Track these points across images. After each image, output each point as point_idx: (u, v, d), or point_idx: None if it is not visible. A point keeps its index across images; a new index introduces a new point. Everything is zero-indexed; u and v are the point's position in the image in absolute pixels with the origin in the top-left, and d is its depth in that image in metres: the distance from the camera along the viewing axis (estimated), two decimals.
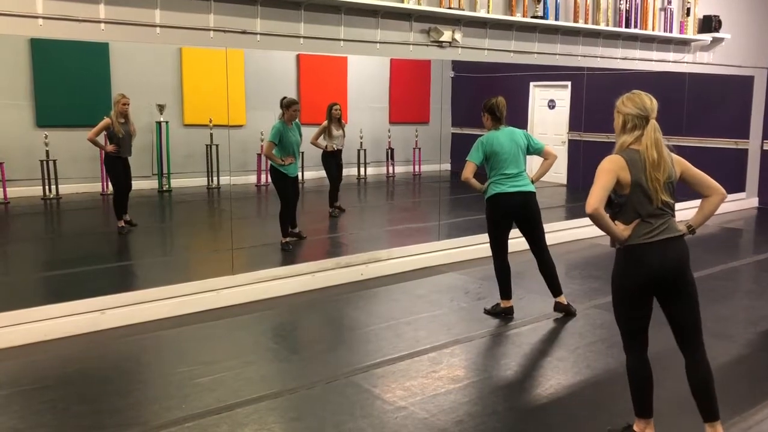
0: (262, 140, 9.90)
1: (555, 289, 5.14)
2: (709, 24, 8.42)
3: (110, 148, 7.33)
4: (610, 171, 2.94)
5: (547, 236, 7.46)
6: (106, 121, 7.26)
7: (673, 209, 3.03)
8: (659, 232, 2.98)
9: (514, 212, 4.98)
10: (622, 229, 2.99)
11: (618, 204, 3.01)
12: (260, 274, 5.62)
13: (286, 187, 6.91)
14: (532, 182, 5.02)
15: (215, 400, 3.67)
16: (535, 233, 5.08)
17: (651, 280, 2.98)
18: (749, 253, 7.81)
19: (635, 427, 3.14)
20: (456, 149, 13.47)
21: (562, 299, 5.15)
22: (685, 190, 3.17)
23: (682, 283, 3.01)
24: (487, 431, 3.35)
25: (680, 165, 3.06)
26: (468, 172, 4.87)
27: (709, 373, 3.07)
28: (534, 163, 5.37)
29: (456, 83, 13.77)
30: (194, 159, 10.86)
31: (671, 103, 9.83)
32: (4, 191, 9.39)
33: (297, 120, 7.01)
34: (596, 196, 2.90)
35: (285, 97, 6.91)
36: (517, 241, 5.33)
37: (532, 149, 5.04)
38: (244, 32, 5.14)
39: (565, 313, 5.11)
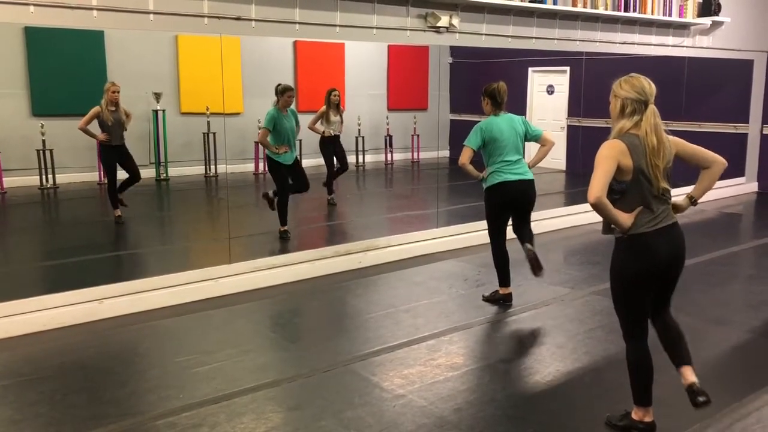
0: (259, 128, 9.86)
1: (528, 237, 4.98)
2: (709, 7, 8.35)
3: (102, 136, 7.27)
4: (610, 157, 2.86)
5: (546, 222, 7.54)
6: (95, 109, 7.20)
7: (670, 196, 3.00)
8: (661, 220, 2.95)
9: (516, 200, 4.95)
10: (625, 218, 2.94)
11: (618, 191, 2.93)
12: (258, 262, 5.61)
13: (282, 175, 6.86)
14: (529, 168, 5.00)
15: (213, 390, 3.66)
16: (526, 216, 5.08)
17: (657, 267, 2.96)
18: (749, 238, 7.79)
19: (634, 415, 3.13)
20: (455, 136, 13.45)
21: (531, 248, 4.94)
22: (685, 175, 3.14)
23: (680, 268, 3.04)
24: (486, 418, 3.35)
25: (675, 145, 3.02)
26: (465, 157, 4.83)
27: (677, 323, 3.16)
28: (531, 149, 5.33)
29: (454, 69, 13.71)
30: (191, 147, 10.83)
31: (671, 88, 9.80)
32: (1, 181, 9.36)
33: (293, 108, 6.96)
34: (598, 184, 2.82)
35: (280, 84, 6.86)
36: None
37: (530, 136, 5.01)
38: (238, 18, 5.08)
39: (532, 259, 4.90)
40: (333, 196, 8.84)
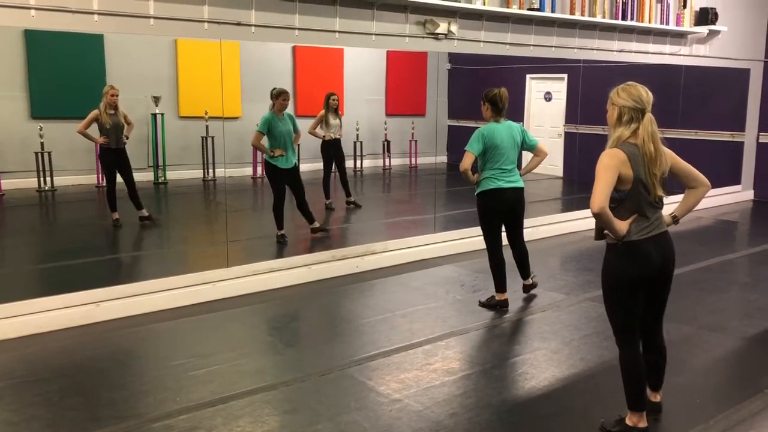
0: None
1: (526, 273, 5.38)
2: (706, 16, 8.41)
3: (100, 140, 7.29)
4: (612, 167, 2.89)
5: (542, 228, 7.57)
6: (94, 112, 7.22)
7: (663, 203, 3.04)
8: (654, 227, 3.00)
9: (508, 207, 5.02)
10: (622, 226, 2.97)
11: (617, 199, 2.97)
12: (256, 266, 5.62)
13: (279, 180, 6.86)
14: (521, 176, 5.07)
15: (210, 393, 3.67)
16: (517, 224, 5.20)
17: (651, 274, 3.01)
18: (744, 245, 7.83)
19: (628, 420, 3.15)
20: (452, 141, 13.47)
21: (530, 281, 5.41)
22: (678, 183, 3.19)
23: (670, 276, 3.10)
24: (481, 423, 3.36)
25: (670, 158, 3.06)
26: (467, 162, 4.86)
27: (665, 350, 3.32)
28: (525, 155, 5.41)
29: (452, 75, 13.74)
30: (190, 151, 10.83)
31: (667, 96, 9.84)
32: None
33: (291, 113, 6.97)
34: (602, 194, 2.85)
35: (275, 88, 6.87)
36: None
37: (526, 145, 5.07)
38: (238, 24, 5.11)
39: (529, 293, 5.43)
40: (331, 200, 8.86)
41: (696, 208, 3.23)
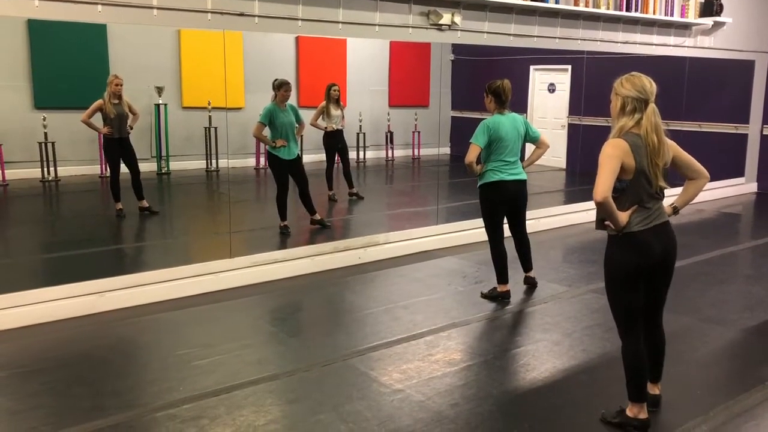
0: None
1: (528, 265, 5.41)
2: (711, 8, 8.37)
3: (104, 129, 7.31)
4: (615, 156, 2.91)
5: (545, 220, 7.57)
6: (98, 102, 7.24)
7: (664, 194, 3.06)
8: (655, 218, 3.02)
9: (510, 200, 5.03)
10: (623, 217, 2.98)
11: (618, 189, 2.98)
12: (258, 257, 5.64)
13: (282, 171, 6.87)
14: (523, 168, 5.07)
15: (213, 383, 3.69)
16: (520, 217, 5.21)
17: (652, 264, 3.03)
18: (747, 238, 7.82)
19: (628, 411, 3.16)
20: (456, 133, 13.47)
21: (532, 274, 5.43)
22: (678, 175, 3.20)
23: (671, 266, 3.11)
24: (483, 414, 3.38)
25: (672, 149, 3.07)
26: (473, 155, 4.85)
27: (665, 341, 3.34)
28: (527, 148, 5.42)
29: (456, 66, 13.72)
30: (193, 141, 10.86)
31: (671, 88, 9.81)
32: (3, 173, 9.39)
33: (294, 104, 6.97)
34: (605, 184, 2.86)
35: (276, 79, 6.86)
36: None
37: (529, 137, 5.08)
38: (242, 14, 5.11)
39: (530, 285, 5.41)
40: (334, 192, 8.87)
41: (699, 200, 3.25)
